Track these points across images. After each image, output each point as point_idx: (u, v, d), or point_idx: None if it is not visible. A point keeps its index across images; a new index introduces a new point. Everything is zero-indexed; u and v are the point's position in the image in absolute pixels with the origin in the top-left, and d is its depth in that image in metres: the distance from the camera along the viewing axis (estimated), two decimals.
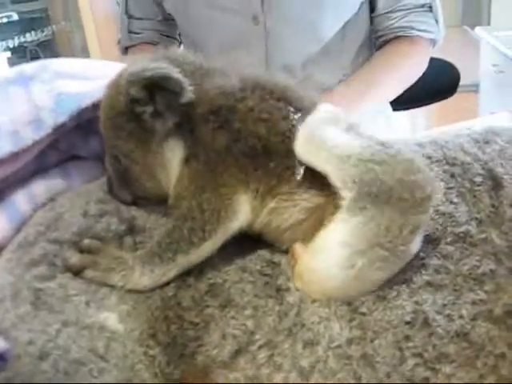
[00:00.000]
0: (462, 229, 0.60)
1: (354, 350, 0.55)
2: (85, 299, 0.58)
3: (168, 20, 1.46)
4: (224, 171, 0.60)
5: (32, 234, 0.64)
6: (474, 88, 2.96)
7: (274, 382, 0.56)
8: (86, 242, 0.62)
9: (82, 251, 0.62)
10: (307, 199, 0.59)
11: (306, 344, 0.56)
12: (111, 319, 0.58)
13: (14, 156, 0.64)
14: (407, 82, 1.46)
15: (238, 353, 0.57)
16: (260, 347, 0.57)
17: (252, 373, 0.56)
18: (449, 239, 0.60)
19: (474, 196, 0.62)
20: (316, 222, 0.59)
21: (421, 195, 0.55)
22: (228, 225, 0.60)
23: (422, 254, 0.59)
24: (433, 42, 1.45)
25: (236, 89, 0.62)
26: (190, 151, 0.62)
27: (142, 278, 0.59)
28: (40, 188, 0.69)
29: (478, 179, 0.63)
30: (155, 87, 0.60)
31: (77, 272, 0.60)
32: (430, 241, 0.60)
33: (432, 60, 2.54)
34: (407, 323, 0.56)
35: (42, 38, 2.99)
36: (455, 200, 0.62)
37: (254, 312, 0.58)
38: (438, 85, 2.36)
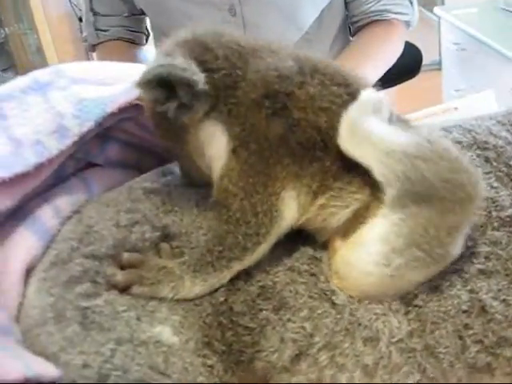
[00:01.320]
0: (508, 212, 0.60)
1: (416, 343, 0.55)
2: (135, 314, 0.55)
3: (135, 15, 1.44)
4: (277, 163, 0.57)
5: (65, 251, 0.60)
6: (437, 66, 3.02)
7: (340, 382, 0.55)
8: (126, 256, 0.59)
9: (123, 266, 0.59)
10: (356, 197, 0.57)
11: (366, 341, 0.55)
12: (166, 332, 0.55)
13: (39, 168, 0.60)
14: (386, 66, 1.47)
15: (298, 356, 0.55)
16: (320, 349, 0.55)
17: (315, 375, 0.55)
18: (495, 224, 0.60)
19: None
20: (359, 217, 0.57)
21: (462, 196, 0.53)
22: (280, 224, 0.57)
23: (469, 243, 0.58)
24: (408, 23, 1.46)
25: (294, 72, 0.58)
26: (239, 140, 0.58)
27: (194, 287, 0.57)
28: (63, 200, 0.65)
29: None
30: (171, 82, 0.57)
31: (123, 289, 0.57)
32: (477, 227, 0.59)
33: None
34: (464, 312, 0.56)
35: None
36: (495, 184, 0.62)
37: (310, 314, 0.56)
38: (401, 66, 2.39)
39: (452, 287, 0.57)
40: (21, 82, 0.66)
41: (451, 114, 1.27)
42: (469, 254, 0.58)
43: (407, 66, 2.41)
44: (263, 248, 0.57)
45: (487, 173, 0.63)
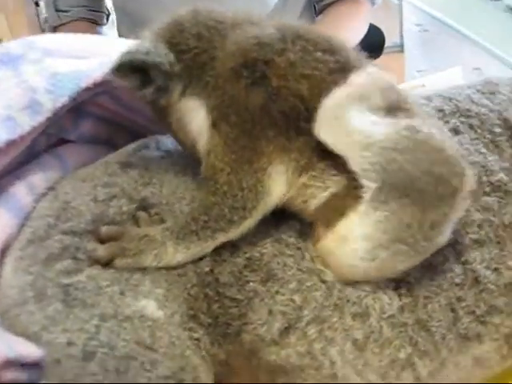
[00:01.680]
0: (497, 177, 0.61)
1: (408, 317, 0.55)
2: (118, 289, 0.54)
3: None
4: (260, 135, 0.55)
5: (42, 228, 0.58)
6: (398, 48, 3.04)
7: (330, 355, 0.55)
8: (104, 229, 0.57)
9: (103, 240, 0.57)
10: (336, 180, 0.55)
11: (355, 316, 0.55)
12: (150, 306, 0.54)
13: (11, 145, 0.58)
14: (352, 44, 1.47)
15: (287, 329, 0.55)
16: (308, 323, 0.55)
17: (304, 349, 0.55)
18: (487, 189, 0.60)
19: (497, 146, 0.63)
20: (340, 206, 0.55)
21: (445, 189, 0.51)
22: (267, 200, 0.56)
23: (463, 212, 0.58)
24: (372, 2, 1.47)
25: (274, 39, 0.56)
26: (218, 113, 0.56)
27: (176, 254, 0.55)
28: (37, 177, 0.62)
29: (497, 129, 0.64)
30: (143, 67, 0.56)
31: (106, 263, 0.55)
32: (469, 194, 0.59)
33: None
34: (457, 285, 0.56)
35: None
36: (483, 150, 0.62)
37: (299, 286, 0.56)
38: (364, 47, 2.41)
39: (445, 261, 0.57)
40: None
41: (420, 91, 1.28)
42: (462, 222, 0.58)
43: (370, 48, 2.43)
44: (249, 222, 0.56)
45: (473, 139, 0.64)
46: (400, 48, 3.00)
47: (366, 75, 0.54)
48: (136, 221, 0.60)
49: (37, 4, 3.09)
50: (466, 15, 2.09)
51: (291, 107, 0.55)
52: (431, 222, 0.51)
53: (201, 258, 0.57)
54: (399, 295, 0.55)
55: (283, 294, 0.55)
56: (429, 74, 2.30)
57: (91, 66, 0.62)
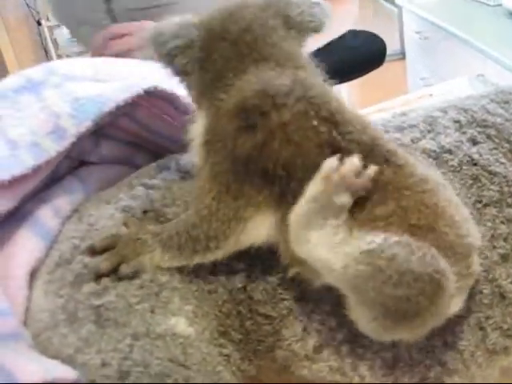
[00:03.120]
0: None
1: (436, 341, 0.56)
2: (149, 306, 0.55)
3: None
4: (247, 179, 0.53)
5: (68, 251, 0.59)
6: (399, 56, 3.06)
7: (360, 370, 0.55)
8: (98, 242, 0.58)
9: (99, 253, 0.58)
10: None
11: (384, 343, 0.55)
12: (181, 324, 0.55)
13: (37, 170, 0.59)
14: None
15: (321, 346, 0.56)
16: (341, 342, 0.56)
17: (336, 363, 0.56)
18: (509, 200, 0.61)
19: None
20: None
21: (415, 306, 0.47)
22: (239, 238, 0.55)
23: (489, 224, 0.59)
24: None
25: (280, 92, 0.52)
26: (211, 139, 0.55)
27: (163, 261, 0.57)
28: (62, 200, 0.63)
29: None
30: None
31: (111, 273, 0.56)
32: (493, 203, 0.60)
33: (355, 32, 2.62)
34: (486, 305, 0.57)
35: None
36: (503, 160, 0.63)
37: (333, 308, 0.56)
38: (366, 56, 2.43)
39: (476, 283, 0.56)
40: (12, 81, 0.64)
41: (426, 101, 1.29)
42: (490, 235, 0.58)
43: (372, 57, 2.45)
44: (221, 253, 0.56)
45: (492, 149, 0.64)
46: (401, 55, 3.01)
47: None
48: (125, 224, 0.61)
49: (39, 23, 3.12)
50: (466, 21, 2.11)
51: (270, 168, 0.52)
52: (412, 327, 0.49)
53: (234, 274, 0.58)
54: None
55: (318, 314, 0.56)
56: (432, 80, 2.31)
57: (113, 90, 0.63)
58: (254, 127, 0.52)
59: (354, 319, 0.51)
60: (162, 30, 0.56)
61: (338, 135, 0.52)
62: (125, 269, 0.57)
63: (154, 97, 0.65)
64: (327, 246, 0.49)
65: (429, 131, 0.68)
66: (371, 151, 0.52)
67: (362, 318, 0.50)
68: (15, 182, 0.58)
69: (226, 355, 0.56)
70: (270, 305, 0.56)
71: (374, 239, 0.48)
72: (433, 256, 0.48)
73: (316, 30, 0.59)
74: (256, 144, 0.52)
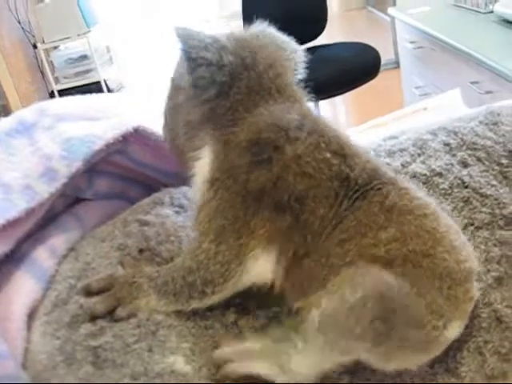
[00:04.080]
0: (510, 209, 0.62)
1: (438, 367, 0.56)
2: (146, 345, 0.55)
3: None
4: (255, 213, 0.54)
5: (64, 291, 0.60)
6: (394, 65, 3.07)
7: None
8: (94, 283, 0.59)
9: (95, 293, 0.59)
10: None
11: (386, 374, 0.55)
12: (179, 362, 0.55)
13: (30, 213, 0.60)
14: None
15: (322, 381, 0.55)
16: (341, 374, 0.55)
17: None
18: (500, 223, 0.61)
19: (505, 177, 0.64)
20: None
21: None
22: (241, 280, 0.56)
23: (482, 247, 0.60)
24: None
25: (292, 126, 0.54)
26: (220, 174, 0.56)
27: (159, 307, 0.58)
28: (57, 239, 0.64)
29: (504, 161, 0.65)
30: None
31: (105, 315, 0.57)
32: (484, 226, 0.61)
33: (349, 44, 2.63)
34: (484, 328, 0.57)
35: None
36: (493, 182, 0.64)
37: None
38: (360, 67, 2.44)
39: (475, 308, 0.57)
40: (5, 124, 0.65)
41: (422, 115, 1.30)
42: (483, 259, 0.59)
43: (366, 68, 2.47)
44: (218, 298, 0.57)
45: (482, 171, 0.65)
46: (396, 65, 3.02)
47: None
48: (121, 264, 0.61)
49: (34, 46, 3.14)
50: (458, 29, 2.11)
51: (284, 203, 0.54)
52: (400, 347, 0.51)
53: (228, 308, 0.58)
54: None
55: None
56: (427, 89, 2.32)
57: (103, 128, 0.64)
58: (269, 161, 0.54)
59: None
60: (193, 34, 0.56)
61: (346, 167, 0.54)
62: (121, 312, 0.57)
63: (143, 134, 0.66)
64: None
65: (419, 154, 0.69)
66: (376, 178, 0.55)
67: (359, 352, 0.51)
68: (9, 225, 0.59)
69: None
70: None
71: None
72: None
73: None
74: (271, 177, 0.54)
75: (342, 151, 0.55)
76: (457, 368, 0.56)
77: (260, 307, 0.58)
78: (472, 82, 1.88)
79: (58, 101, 0.70)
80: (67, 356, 0.55)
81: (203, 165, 0.59)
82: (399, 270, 0.51)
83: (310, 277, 0.53)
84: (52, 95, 3.13)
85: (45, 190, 0.60)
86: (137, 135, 0.67)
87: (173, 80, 0.62)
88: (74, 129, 0.64)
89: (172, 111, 0.62)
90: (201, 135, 0.59)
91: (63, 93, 3.07)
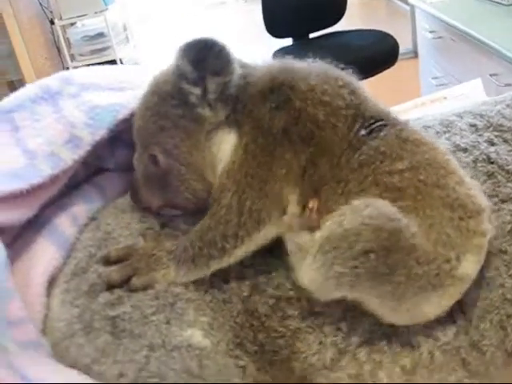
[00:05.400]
0: None
1: (463, 340, 0.55)
2: (164, 317, 0.55)
3: None
4: (280, 157, 0.56)
5: (84, 259, 0.60)
6: (411, 55, 3.04)
7: (379, 377, 0.55)
8: (113, 252, 0.59)
9: (113, 262, 0.59)
10: None
11: (405, 345, 0.55)
12: (196, 336, 0.55)
13: (55, 179, 0.60)
14: None
15: (339, 355, 0.56)
16: (358, 346, 0.55)
17: (355, 371, 0.55)
18: None
19: None
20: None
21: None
22: (265, 229, 0.56)
23: (508, 218, 0.59)
24: None
25: (301, 68, 0.59)
26: (248, 136, 0.57)
27: (178, 277, 0.58)
28: (79, 208, 0.64)
29: None
30: (204, 64, 0.56)
31: (121, 284, 0.57)
32: (510, 199, 0.60)
33: (368, 32, 2.61)
34: (509, 300, 0.56)
35: None
36: None
37: (343, 314, 0.56)
38: (378, 55, 2.42)
39: (498, 275, 0.57)
40: (30, 90, 0.65)
41: (441, 104, 1.29)
42: (509, 229, 0.58)
43: (384, 56, 2.45)
44: (242, 251, 0.56)
45: (510, 151, 0.64)
46: (414, 54, 3.00)
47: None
48: (143, 236, 0.61)
49: (52, 22, 3.14)
50: (479, 20, 2.08)
51: (308, 132, 0.56)
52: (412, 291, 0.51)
53: (243, 280, 0.58)
54: (453, 321, 0.55)
55: (330, 325, 0.56)
56: (444, 80, 2.30)
57: (127, 98, 0.64)
58: (287, 101, 0.57)
59: (376, 314, 0.54)
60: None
61: (356, 99, 0.58)
62: (136, 281, 0.57)
63: None
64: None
65: (445, 132, 0.69)
66: (389, 117, 0.58)
67: (374, 307, 0.53)
68: (34, 191, 0.59)
69: (241, 366, 0.56)
70: (276, 320, 0.56)
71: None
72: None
73: None
74: (293, 114, 0.56)
75: (349, 86, 0.59)
76: (479, 341, 0.55)
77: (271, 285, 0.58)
78: (491, 74, 1.86)
79: (83, 70, 0.70)
80: (85, 325, 0.55)
81: (228, 144, 0.59)
82: (410, 202, 0.52)
83: (327, 207, 0.55)
84: None
85: (69, 157, 0.60)
86: None
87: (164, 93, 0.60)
88: (99, 98, 0.63)
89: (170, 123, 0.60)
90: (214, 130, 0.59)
91: None
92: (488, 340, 0.55)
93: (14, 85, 2.95)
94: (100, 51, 3.23)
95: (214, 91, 0.57)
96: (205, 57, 0.55)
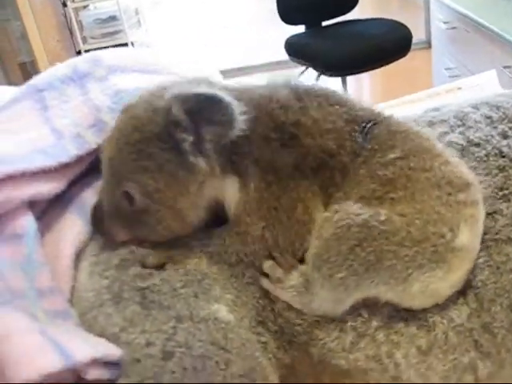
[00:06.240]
0: None
1: (475, 323, 0.57)
2: (192, 291, 0.57)
3: None
4: (294, 189, 0.57)
5: None
6: (424, 45, 3.04)
7: (395, 358, 0.57)
8: (150, 259, 0.60)
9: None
10: None
11: (420, 327, 0.57)
12: (222, 310, 0.57)
13: (80, 159, 0.62)
14: None
15: (358, 339, 0.57)
16: (376, 329, 0.57)
17: (373, 352, 0.57)
18: None
19: None
20: None
21: None
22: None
23: None
24: None
25: (292, 100, 0.58)
26: (252, 180, 0.57)
27: (210, 269, 0.59)
28: None
29: None
30: (201, 116, 0.54)
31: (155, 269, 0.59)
32: None
33: (381, 21, 2.60)
34: None
35: None
36: None
37: (364, 300, 0.57)
38: (391, 44, 2.42)
39: (508, 260, 0.58)
40: (60, 70, 0.67)
41: (455, 94, 1.29)
42: None
43: (397, 45, 2.44)
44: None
45: None
46: (426, 45, 2.99)
47: None
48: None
49: (64, 4, 3.14)
50: (494, 12, 2.08)
51: (320, 163, 0.57)
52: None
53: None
54: (467, 303, 0.57)
55: (350, 313, 0.58)
56: (457, 71, 2.30)
57: (152, 83, 0.65)
58: (293, 138, 0.57)
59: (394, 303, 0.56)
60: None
61: (350, 110, 0.60)
62: (170, 267, 0.59)
63: None
64: None
65: (459, 126, 0.70)
66: (376, 114, 0.62)
67: (388, 296, 0.56)
68: (61, 168, 0.61)
69: (263, 343, 0.58)
70: (294, 311, 0.58)
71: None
72: None
73: None
74: (301, 150, 0.57)
75: (339, 100, 0.60)
76: (491, 323, 0.57)
77: None
78: (505, 67, 1.86)
79: (112, 52, 0.71)
80: (114, 295, 0.56)
81: (233, 188, 0.59)
82: (401, 192, 0.56)
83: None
84: (79, 55, 3.13)
85: (93, 141, 0.63)
86: None
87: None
88: (125, 81, 0.65)
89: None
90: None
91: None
92: (499, 323, 0.57)
93: (26, 66, 2.97)
94: (112, 34, 3.23)
95: (209, 140, 0.55)
96: (203, 109, 0.53)
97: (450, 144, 0.67)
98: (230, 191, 0.58)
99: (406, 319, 0.57)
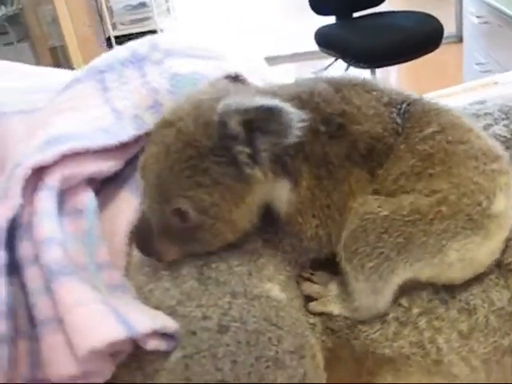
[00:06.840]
0: None
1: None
2: (246, 270, 0.59)
3: None
4: (345, 179, 0.58)
5: None
6: (454, 39, 3.01)
7: (437, 342, 0.59)
8: None
9: None
10: None
11: (462, 311, 0.59)
12: (275, 289, 0.59)
13: (138, 139, 0.64)
14: None
15: (401, 327, 0.60)
16: (418, 315, 0.60)
17: (415, 338, 0.59)
18: None
19: None
20: None
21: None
22: None
23: None
24: None
25: (331, 92, 0.60)
26: (305, 179, 0.58)
27: None
28: None
29: None
30: (257, 127, 0.53)
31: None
32: None
33: (412, 13, 2.58)
34: None
35: (11, 12, 2.85)
36: None
37: (402, 289, 0.60)
38: (422, 37, 2.41)
39: None
40: (120, 53, 0.69)
41: (491, 89, 1.29)
42: None
43: (427, 38, 2.43)
44: None
45: None
46: (456, 39, 2.97)
47: None
48: None
49: None
50: None
51: (370, 148, 0.59)
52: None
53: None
54: (508, 287, 0.59)
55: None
56: (488, 66, 2.28)
57: (208, 68, 0.67)
58: (340, 128, 0.59)
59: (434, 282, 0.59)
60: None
61: (384, 95, 0.62)
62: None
63: (241, 82, 0.69)
64: None
65: (503, 119, 0.71)
66: (407, 96, 0.63)
67: (427, 274, 0.58)
68: (121, 147, 0.64)
69: (312, 324, 0.60)
70: None
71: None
72: None
73: None
74: (351, 138, 0.59)
75: (371, 87, 0.62)
76: None
77: None
78: None
79: (168, 36, 0.74)
80: (172, 270, 0.59)
81: (285, 191, 0.59)
82: (439, 168, 0.58)
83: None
84: (109, 40, 3.16)
85: (151, 121, 0.64)
86: (235, 81, 0.70)
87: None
88: (181, 65, 0.68)
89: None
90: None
91: (119, 39, 3.10)
92: None
93: (56, 51, 3.01)
94: (141, 21, 3.24)
95: (264, 150, 0.55)
96: (260, 120, 0.53)
97: (494, 136, 0.69)
98: (281, 193, 0.59)
99: (446, 302, 0.59)
